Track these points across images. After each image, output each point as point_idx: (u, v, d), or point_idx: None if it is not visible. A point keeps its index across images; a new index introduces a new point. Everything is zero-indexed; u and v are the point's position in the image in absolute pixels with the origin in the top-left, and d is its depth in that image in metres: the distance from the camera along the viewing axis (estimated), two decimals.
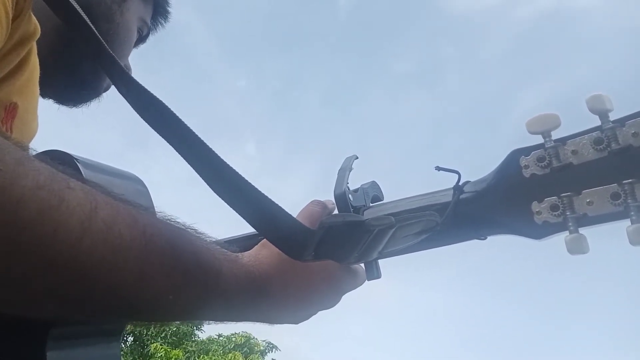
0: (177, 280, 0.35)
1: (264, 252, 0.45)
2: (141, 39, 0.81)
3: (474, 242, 0.47)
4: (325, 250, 0.40)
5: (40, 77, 0.52)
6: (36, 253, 0.27)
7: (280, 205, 0.38)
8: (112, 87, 0.77)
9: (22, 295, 0.29)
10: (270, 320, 0.47)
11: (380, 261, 0.51)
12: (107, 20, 0.67)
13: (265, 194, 0.38)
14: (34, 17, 0.45)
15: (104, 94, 0.78)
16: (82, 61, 0.67)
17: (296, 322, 0.49)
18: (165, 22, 0.83)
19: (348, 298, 0.52)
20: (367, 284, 0.51)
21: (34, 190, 0.27)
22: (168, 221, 0.39)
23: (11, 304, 0.30)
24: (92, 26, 0.44)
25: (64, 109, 0.75)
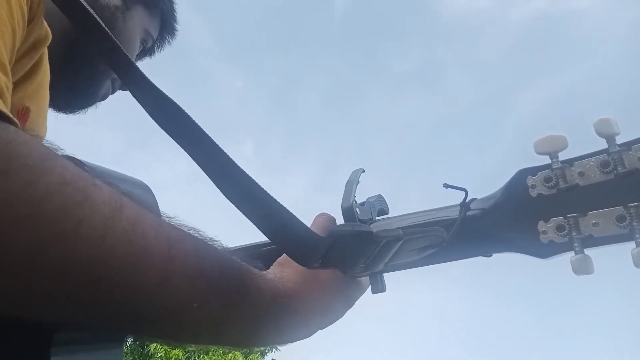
0: (202, 290, 0.34)
1: (289, 271, 0.44)
2: (145, 51, 0.81)
3: (479, 258, 0.48)
4: (332, 258, 0.40)
5: None
6: (58, 249, 0.27)
7: (291, 211, 0.38)
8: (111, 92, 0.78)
9: (41, 295, 0.29)
10: (288, 340, 0.46)
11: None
12: (109, 26, 0.68)
13: (277, 200, 0.38)
14: (45, 23, 0.45)
15: (101, 102, 0.78)
16: (81, 68, 0.67)
17: (308, 337, 0.49)
18: (171, 38, 0.83)
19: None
20: (372, 296, 0.52)
21: (60, 186, 0.27)
22: (193, 231, 0.38)
23: (29, 306, 0.29)
24: (101, 22, 0.43)
25: (62, 115, 0.75)
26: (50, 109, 0.71)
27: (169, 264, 0.32)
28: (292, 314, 0.43)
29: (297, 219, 0.39)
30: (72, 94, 0.70)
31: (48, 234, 0.26)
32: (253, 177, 0.38)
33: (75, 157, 0.49)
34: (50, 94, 0.68)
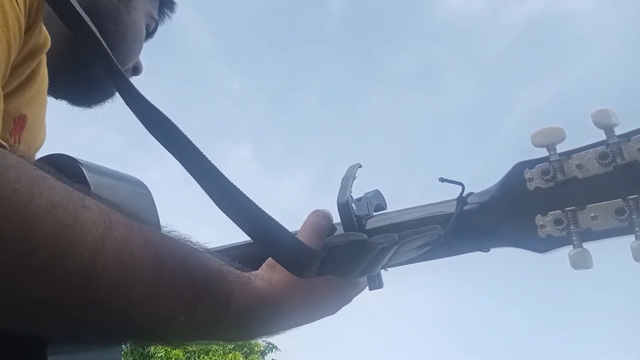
0: (188, 302, 0.35)
1: (277, 276, 0.44)
2: (149, 34, 0.79)
3: (476, 253, 0.47)
4: (327, 268, 0.40)
5: (52, 79, 0.52)
6: (49, 273, 0.27)
7: (283, 225, 0.38)
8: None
9: (33, 316, 0.29)
10: (276, 334, 0.47)
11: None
12: (114, 21, 0.66)
13: (270, 215, 0.38)
14: (44, 29, 0.45)
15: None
16: (92, 63, 0.66)
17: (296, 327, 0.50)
18: (171, 13, 0.80)
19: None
20: (369, 293, 0.51)
21: (49, 210, 0.27)
22: (180, 240, 0.39)
23: (22, 324, 0.30)
24: (97, 32, 0.43)
25: (76, 109, 0.74)
26: (67, 103, 0.71)
27: (157, 279, 0.33)
28: (278, 318, 0.43)
29: (289, 233, 0.39)
30: (87, 89, 0.69)
31: (38, 258, 0.27)
32: (246, 192, 0.38)
33: (69, 155, 0.49)
34: (64, 90, 0.67)
